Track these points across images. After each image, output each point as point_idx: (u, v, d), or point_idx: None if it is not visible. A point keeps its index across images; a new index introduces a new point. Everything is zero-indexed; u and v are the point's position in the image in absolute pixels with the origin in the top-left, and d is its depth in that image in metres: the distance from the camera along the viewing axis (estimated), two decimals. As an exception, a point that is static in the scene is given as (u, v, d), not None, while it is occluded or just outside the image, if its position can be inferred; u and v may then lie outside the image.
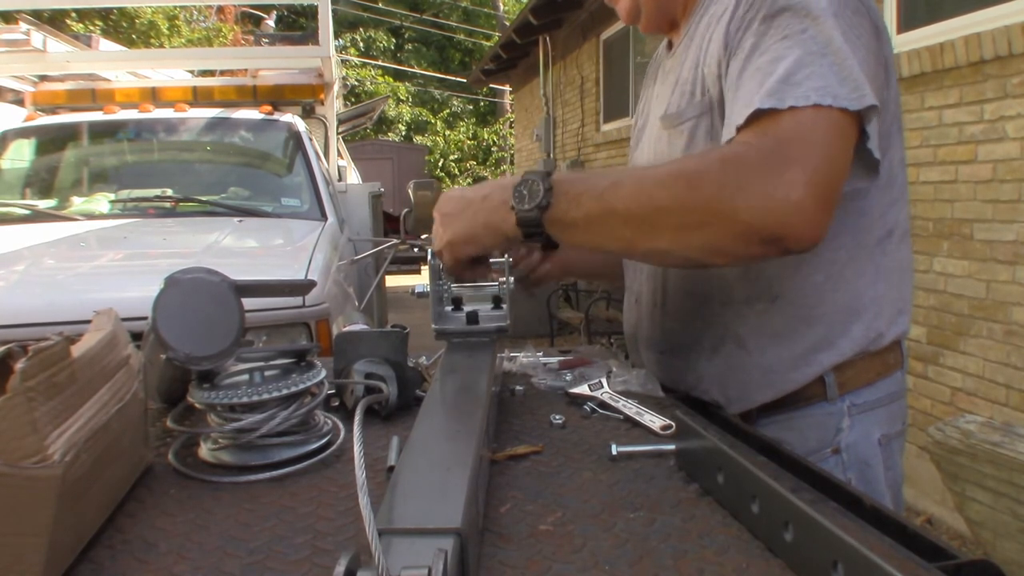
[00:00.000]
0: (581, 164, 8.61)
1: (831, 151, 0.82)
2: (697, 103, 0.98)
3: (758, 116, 0.82)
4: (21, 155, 3.70)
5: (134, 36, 14.60)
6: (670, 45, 1.15)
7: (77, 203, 3.31)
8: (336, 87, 4.47)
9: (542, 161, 9.85)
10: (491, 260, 1.01)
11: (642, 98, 1.28)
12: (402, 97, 24.05)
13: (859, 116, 0.83)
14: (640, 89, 1.30)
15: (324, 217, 3.35)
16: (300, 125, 3.87)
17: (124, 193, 3.45)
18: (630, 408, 0.95)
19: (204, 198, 3.34)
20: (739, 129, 0.84)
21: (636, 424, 0.92)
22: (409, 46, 26.17)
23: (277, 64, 4.70)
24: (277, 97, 4.18)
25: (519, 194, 0.86)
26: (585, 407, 0.98)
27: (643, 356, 1.18)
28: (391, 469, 0.74)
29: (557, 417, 0.93)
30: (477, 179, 22.37)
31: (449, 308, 1.05)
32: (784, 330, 1.00)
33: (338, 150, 4.92)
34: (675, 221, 0.82)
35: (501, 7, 21.71)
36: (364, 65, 23.73)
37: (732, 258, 0.87)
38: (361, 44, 24.48)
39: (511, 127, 18.62)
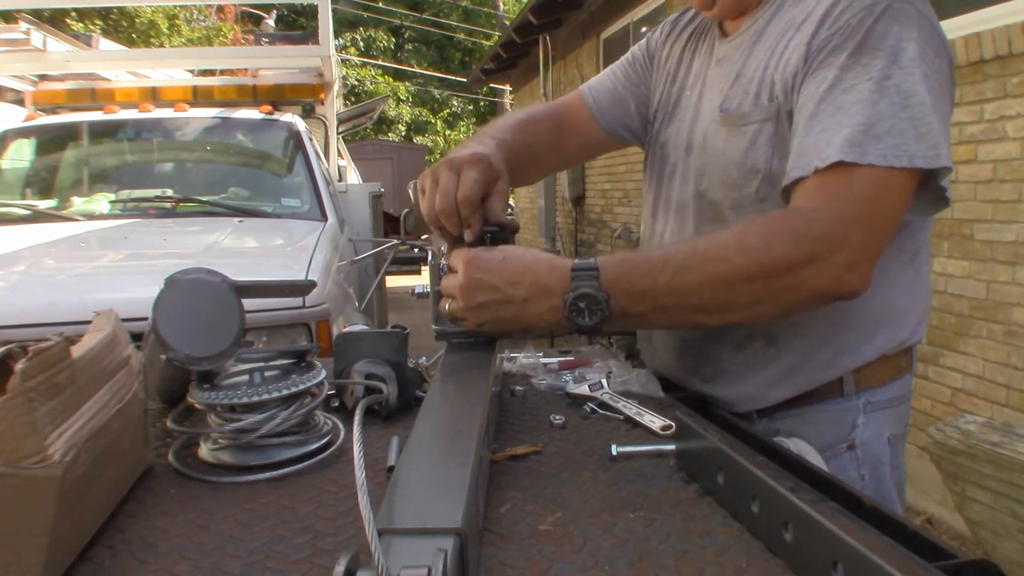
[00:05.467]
0: (581, 164, 8.60)
1: (894, 213, 0.87)
2: (764, 108, 0.97)
3: (834, 165, 0.84)
4: (21, 155, 3.70)
5: (134, 35, 14.60)
6: (720, 25, 1.11)
7: (77, 203, 3.31)
8: (336, 87, 4.47)
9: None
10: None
11: (666, 60, 1.20)
12: (402, 97, 24.05)
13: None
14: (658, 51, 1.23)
15: (324, 217, 3.35)
16: (300, 125, 3.87)
17: (124, 193, 3.45)
18: (630, 408, 0.95)
19: (204, 198, 3.34)
20: (817, 171, 0.85)
21: (636, 424, 0.92)
22: (409, 46, 26.18)
23: (277, 64, 4.70)
24: (277, 97, 4.18)
25: (577, 308, 0.84)
26: (585, 407, 0.98)
27: (658, 341, 1.17)
28: (391, 469, 0.74)
29: (557, 417, 0.93)
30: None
31: (449, 308, 1.04)
32: (816, 332, 1.01)
33: (338, 150, 4.93)
34: (749, 299, 0.86)
35: (501, 7, 21.70)
36: (364, 65, 23.74)
37: (794, 315, 0.96)
38: (361, 44, 24.48)
39: (511, 127, 18.57)
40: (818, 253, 0.83)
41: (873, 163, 0.83)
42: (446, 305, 0.92)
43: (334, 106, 4.50)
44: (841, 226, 0.83)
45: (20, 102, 4.20)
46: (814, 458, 0.91)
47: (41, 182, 3.61)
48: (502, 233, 0.95)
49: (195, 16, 17.34)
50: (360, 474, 0.57)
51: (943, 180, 0.89)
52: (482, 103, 24.75)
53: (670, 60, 1.21)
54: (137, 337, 0.82)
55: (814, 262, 0.83)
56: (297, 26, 19.24)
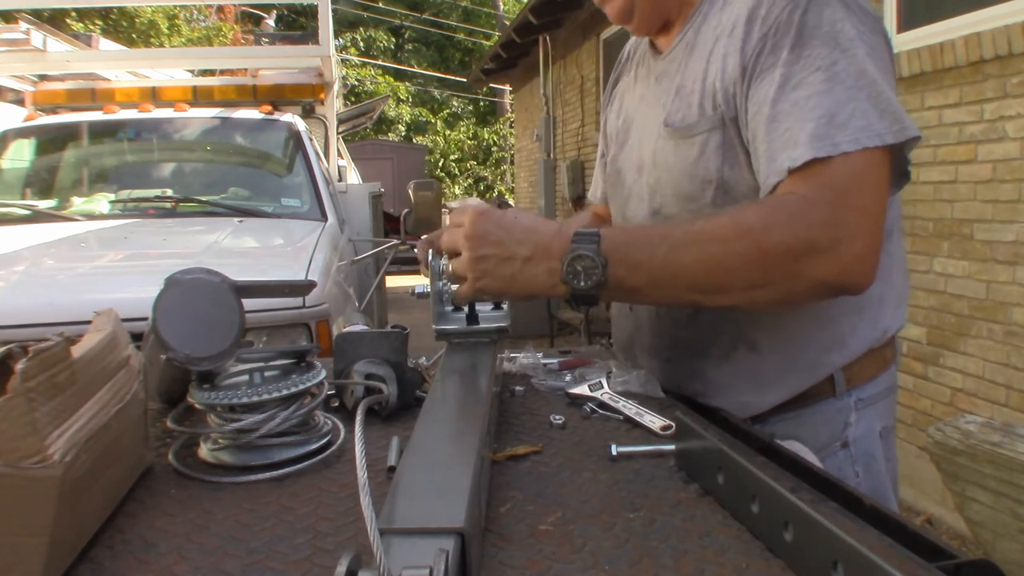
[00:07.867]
0: (581, 164, 8.61)
1: (881, 194, 0.86)
2: (708, 117, 0.97)
3: (808, 163, 0.83)
4: (21, 155, 3.70)
5: (134, 35, 14.58)
6: (652, 45, 1.13)
7: (77, 203, 3.31)
8: (336, 87, 4.47)
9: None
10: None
11: (614, 95, 1.25)
12: (402, 97, 24.04)
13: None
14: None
15: (324, 217, 3.35)
16: (300, 125, 3.87)
17: (124, 193, 3.45)
18: (630, 408, 0.95)
19: (204, 198, 3.34)
20: (791, 171, 0.84)
21: (636, 424, 0.92)
22: (409, 46, 26.18)
23: (277, 64, 4.69)
24: (277, 97, 4.18)
25: (573, 270, 0.82)
26: (585, 407, 0.98)
27: (643, 360, 1.17)
28: (391, 469, 0.74)
29: (557, 417, 0.93)
30: (478, 179, 22.36)
31: (449, 308, 1.05)
32: (797, 332, 1.01)
33: (338, 150, 4.92)
34: (745, 282, 0.84)
35: (501, 7, 21.70)
36: (364, 65, 23.73)
37: (797, 306, 0.96)
38: (361, 44, 24.47)
39: (511, 127, 18.62)
40: (815, 240, 0.81)
41: (847, 150, 0.82)
42: (449, 265, 0.91)
43: (334, 106, 4.49)
44: (836, 215, 0.82)
45: (20, 102, 4.20)
46: (810, 459, 0.91)
47: (41, 182, 3.61)
48: None
49: (195, 16, 17.33)
50: (362, 474, 0.57)
51: (908, 152, 0.89)
52: (482, 103, 24.75)
53: (617, 98, 1.24)
54: (137, 337, 0.82)
55: (812, 249, 0.81)
56: (297, 26, 19.26)
